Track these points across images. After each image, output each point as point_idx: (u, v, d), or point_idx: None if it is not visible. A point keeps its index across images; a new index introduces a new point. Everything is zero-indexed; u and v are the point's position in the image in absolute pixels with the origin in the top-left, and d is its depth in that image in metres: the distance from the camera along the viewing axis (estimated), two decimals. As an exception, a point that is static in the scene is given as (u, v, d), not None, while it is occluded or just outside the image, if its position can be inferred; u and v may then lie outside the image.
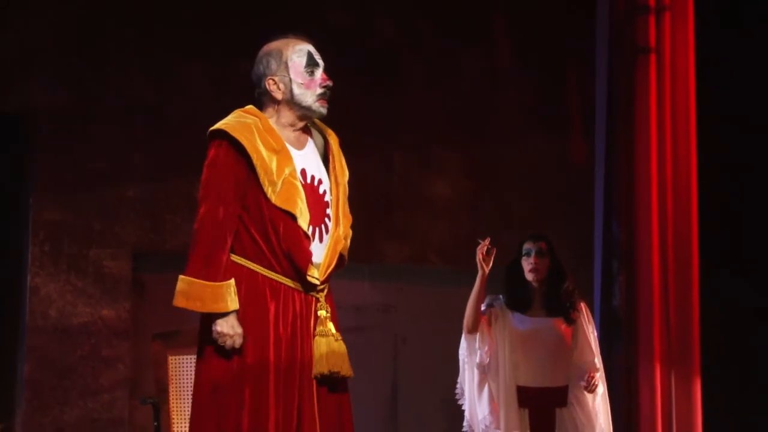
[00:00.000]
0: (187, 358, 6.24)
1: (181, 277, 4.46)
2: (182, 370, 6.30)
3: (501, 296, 6.38)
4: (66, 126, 7.81)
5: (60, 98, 7.79)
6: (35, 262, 7.69)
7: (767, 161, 8.04)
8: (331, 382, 4.48)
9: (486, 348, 6.28)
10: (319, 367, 4.45)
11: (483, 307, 6.27)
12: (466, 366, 6.30)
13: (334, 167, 4.63)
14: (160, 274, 7.69)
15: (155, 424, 6.16)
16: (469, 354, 6.29)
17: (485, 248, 6.10)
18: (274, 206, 4.43)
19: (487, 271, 6.12)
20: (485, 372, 6.27)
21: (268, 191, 4.41)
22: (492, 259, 6.12)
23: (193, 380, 6.01)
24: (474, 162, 8.42)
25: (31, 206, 7.73)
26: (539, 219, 8.16)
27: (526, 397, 6.23)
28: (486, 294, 6.24)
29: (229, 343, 4.39)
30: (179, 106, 7.94)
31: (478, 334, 6.25)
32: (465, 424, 6.31)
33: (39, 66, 7.79)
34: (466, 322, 6.23)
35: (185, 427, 6.00)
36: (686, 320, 7.58)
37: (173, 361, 6.33)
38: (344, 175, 4.67)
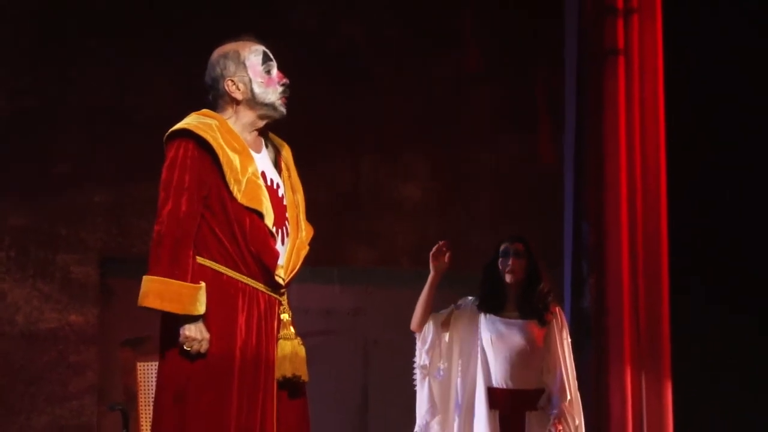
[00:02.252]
0: (155, 365, 5.91)
1: (150, 277, 4.37)
2: (151, 377, 6.29)
3: (471, 298, 6.40)
4: (30, 130, 7.83)
5: (24, 102, 7.83)
6: (1, 267, 7.74)
7: (736, 162, 7.98)
8: (292, 386, 4.49)
9: (426, 348, 6.30)
10: (283, 370, 4.45)
11: (444, 313, 6.33)
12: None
13: (289, 176, 4.64)
14: (128, 280, 7.37)
15: (124, 431, 6.31)
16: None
17: (436, 249, 6.18)
18: (240, 205, 4.40)
19: (435, 272, 6.20)
20: (424, 372, 6.30)
21: (234, 190, 4.38)
22: (446, 260, 6.19)
23: None
24: (443, 164, 8.44)
25: None
26: (508, 220, 8.16)
27: (496, 399, 6.22)
28: (434, 294, 6.29)
29: (196, 347, 4.34)
30: (144, 108, 7.92)
31: (421, 333, 6.32)
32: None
33: (1, 70, 7.82)
34: (412, 320, 6.29)
35: None
36: (656, 321, 7.53)
37: (142, 367, 6.38)
38: (300, 185, 4.70)
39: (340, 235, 7.88)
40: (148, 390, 6.36)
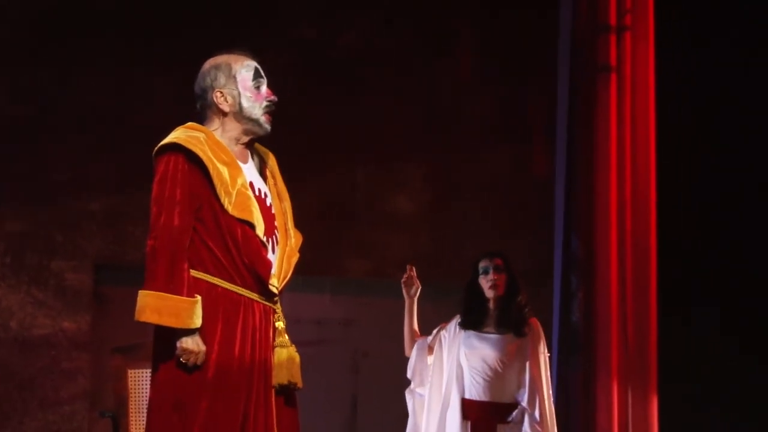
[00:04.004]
0: (146, 372, 6.15)
1: (146, 292, 4.33)
2: (142, 384, 6.28)
3: (456, 318, 6.42)
4: (28, 138, 7.84)
5: (21, 109, 7.84)
6: None
7: (726, 178, 8.04)
8: (286, 393, 4.48)
9: (410, 373, 6.39)
10: (280, 377, 4.43)
11: (430, 337, 6.37)
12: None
13: (275, 184, 4.62)
14: (122, 287, 7.67)
15: None
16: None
17: (407, 276, 6.29)
18: (231, 217, 4.37)
19: (409, 297, 6.31)
20: (410, 394, 6.40)
21: (225, 202, 4.34)
22: (416, 284, 6.29)
23: None
24: (435, 176, 8.47)
25: None
26: (500, 233, 8.20)
27: (469, 409, 6.21)
28: (414, 312, 6.36)
29: (192, 360, 4.29)
30: (141, 116, 7.89)
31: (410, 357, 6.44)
32: None
33: (0, 79, 7.85)
34: (405, 345, 6.42)
35: None
36: (644, 336, 7.59)
37: (133, 374, 6.30)
38: (286, 192, 4.68)
39: (333, 245, 7.88)
40: (139, 397, 6.33)
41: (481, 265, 6.36)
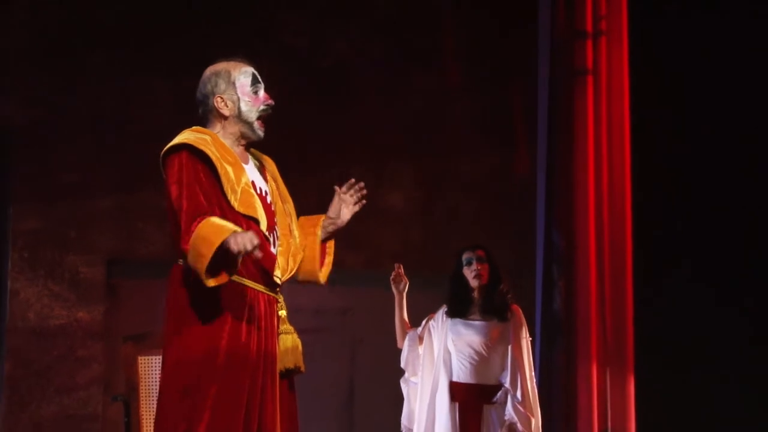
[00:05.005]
0: (155, 359, 6.32)
1: (183, 245, 4.24)
2: (151, 370, 6.44)
3: (444, 307, 6.46)
4: (42, 141, 7.82)
5: (35, 115, 7.82)
6: (15, 268, 7.73)
7: (697, 175, 8.02)
8: (288, 378, 4.51)
9: (403, 363, 6.43)
10: (286, 362, 4.46)
11: (419, 329, 6.40)
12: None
13: (277, 187, 4.65)
14: (132, 280, 7.83)
15: (126, 419, 6.40)
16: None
17: (395, 274, 6.36)
18: (237, 213, 4.39)
19: (398, 293, 6.40)
20: (404, 383, 6.46)
21: (231, 199, 4.37)
22: (404, 280, 6.38)
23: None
24: (425, 175, 8.45)
25: (11, 216, 7.78)
26: (485, 228, 8.17)
27: (457, 391, 6.27)
28: (404, 306, 6.45)
29: (249, 245, 4.15)
30: (146, 120, 7.89)
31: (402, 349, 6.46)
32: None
33: (15, 85, 7.84)
34: (397, 337, 6.47)
35: (153, 422, 5.96)
36: (621, 322, 7.59)
37: (143, 361, 6.49)
38: (288, 195, 4.70)
39: None
40: (149, 382, 6.41)
41: (465, 256, 6.43)
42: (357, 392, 8.19)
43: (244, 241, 4.11)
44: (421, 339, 6.41)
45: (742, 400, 7.73)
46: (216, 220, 4.21)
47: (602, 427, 7.51)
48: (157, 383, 5.78)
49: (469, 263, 6.40)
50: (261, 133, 4.54)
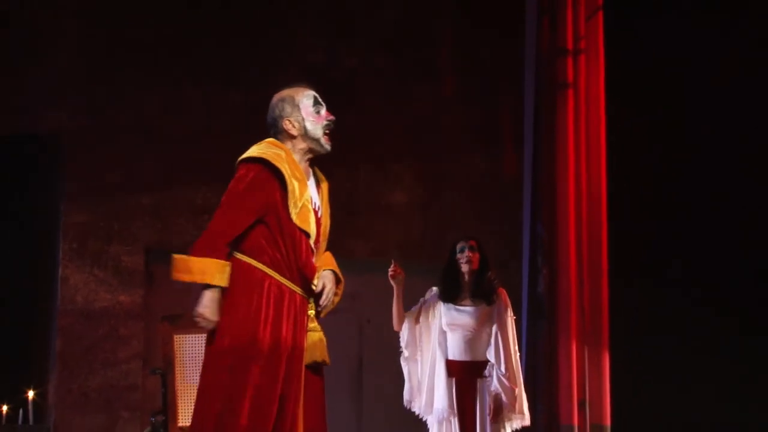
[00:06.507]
0: (189, 337, 6.39)
1: (179, 256, 4.47)
2: (185, 347, 6.50)
3: (434, 288, 6.51)
4: (89, 145, 7.94)
5: (83, 123, 7.94)
6: (65, 257, 7.88)
7: (664, 174, 8.15)
8: (316, 368, 4.61)
9: (404, 343, 6.48)
10: (313, 356, 4.55)
11: (415, 309, 6.44)
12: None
13: (323, 202, 4.74)
14: (168, 267, 7.61)
15: (163, 390, 6.38)
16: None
17: (393, 270, 6.31)
18: (294, 224, 4.47)
19: (397, 286, 6.35)
20: (404, 361, 6.48)
21: (292, 212, 4.46)
22: (401, 275, 6.33)
23: (192, 355, 6.09)
24: (424, 175, 8.55)
25: (62, 212, 7.92)
26: (478, 221, 8.30)
27: (453, 368, 6.38)
28: (403, 297, 6.44)
29: (203, 324, 4.38)
30: (180, 125, 8.05)
31: (401, 332, 6.47)
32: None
33: (65, 98, 7.94)
34: (393, 322, 6.48)
35: (187, 392, 6.22)
36: (597, 305, 7.63)
37: (178, 339, 6.56)
38: (329, 213, 4.77)
39: (341, 233, 7.04)
40: (183, 357, 6.45)
41: (458, 245, 6.49)
42: (365, 365, 8.28)
43: (201, 321, 4.35)
44: (417, 320, 6.46)
45: (709, 372, 7.78)
46: (222, 269, 4.36)
47: (581, 398, 7.49)
48: (191, 359, 6.20)
49: (462, 251, 6.44)
50: (328, 146, 4.67)
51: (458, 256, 6.50)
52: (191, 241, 7.78)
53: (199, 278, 4.37)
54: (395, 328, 6.52)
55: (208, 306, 4.38)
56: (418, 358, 6.48)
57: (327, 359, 4.60)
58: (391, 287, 6.37)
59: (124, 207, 7.99)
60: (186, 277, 4.39)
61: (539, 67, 7.83)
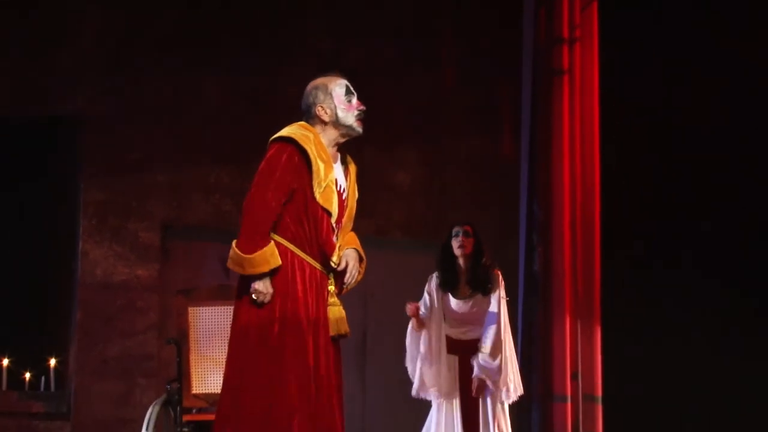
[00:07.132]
0: (202, 309, 6.44)
1: (234, 249, 4.52)
2: (199, 319, 6.48)
3: (435, 275, 6.57)
4: (108, 127, 7.96)
5: (103, 106, 7.94)
6: (85, 232, 7.88)
7: (655, 157, 8.26)
8: (335, 340, 4.72)
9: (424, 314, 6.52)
10: (335, 329, 4.66)
11: (422, 309, 6.50)
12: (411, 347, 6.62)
13: (350, 185, 4.82)
14: (183, 242, 7.98)
15: (177, 359, 6.38)
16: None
17: (411, 313, 6.40)
18: (317, 203, 4.58)
19: (416, 321, 6.44)
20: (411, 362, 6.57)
21: (316, 192, 4.55)
22: (420, 315, 6.41)
23: (205, 327, 6.19)
24: (427, 157, 8.60)
25: (82, 189, 7.92)
26: (477, 202, 8.35)
27: (454, 347, 6.52)
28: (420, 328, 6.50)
29: (261, 298, 4.51)
30: (194, 109, 8.08)
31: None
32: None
33: (87, 82, 7.95)
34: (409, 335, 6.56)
35: (200, 362, 6.27)
36: (590, 282, 7.70)
37: (192, 311, 6.52)
38: (355, 195, 4.86)
39: None
40: (197, 328, 6.42)
41: (454, 230, 6.57)
42: (369, 336, 8.31)
43: (259, 296, 4.45)
44: (420, 322, 6.51)
45: (694, 343, 7.91)
46: (273, 251, 4.47)
47: (573, 370, 7.58)
48: (204, 330, 6.29)
49: (456, 235, 6.51)
50: (360, 129, 4.77)
51: (453, 239, 6.54)
52: (204, 218, 7.80)
53: (265, 268, 4.50)
54: (408, 368, 6.59)
55: (262, 280, 4.50)
56: (427, 336, 6.52)
57: (348, 331, 4.71)
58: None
59: (141, 185, 8.00)
60: (254, 271, 4.49)
61: (536, 54, 7.88)
